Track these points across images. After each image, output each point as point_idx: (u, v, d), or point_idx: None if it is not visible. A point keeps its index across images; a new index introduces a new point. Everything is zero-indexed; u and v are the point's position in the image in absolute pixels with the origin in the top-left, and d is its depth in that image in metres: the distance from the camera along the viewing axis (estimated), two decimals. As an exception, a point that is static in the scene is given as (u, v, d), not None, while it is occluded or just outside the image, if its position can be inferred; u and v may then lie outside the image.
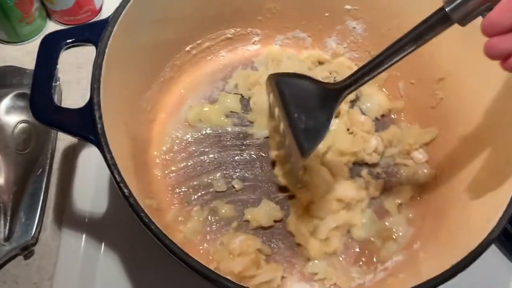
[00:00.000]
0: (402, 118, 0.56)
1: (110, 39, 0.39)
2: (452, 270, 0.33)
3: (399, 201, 0.50)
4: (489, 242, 0.34)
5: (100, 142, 0.34)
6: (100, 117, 0.35)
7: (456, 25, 0.33)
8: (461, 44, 0.45)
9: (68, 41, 0.38)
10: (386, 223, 0.50)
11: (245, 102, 0.55)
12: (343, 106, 0.55)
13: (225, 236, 0.47)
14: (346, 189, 0.49)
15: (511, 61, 0.30)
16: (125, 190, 0.33)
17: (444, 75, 0.50)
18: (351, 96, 0.56)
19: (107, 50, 0.38)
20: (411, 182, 0.51)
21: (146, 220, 0.32)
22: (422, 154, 0.52)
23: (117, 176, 0.33)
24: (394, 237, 0.49)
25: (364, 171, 0.52)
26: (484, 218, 0.37)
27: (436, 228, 0.45)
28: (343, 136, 0.52)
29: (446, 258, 0.36)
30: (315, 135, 0.39)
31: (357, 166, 0.53)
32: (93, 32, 0.39)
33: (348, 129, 0.54)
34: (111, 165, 0.33)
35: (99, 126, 0.35)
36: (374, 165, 0.53)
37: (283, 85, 0.43)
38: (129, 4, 0.40)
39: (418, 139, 0.53)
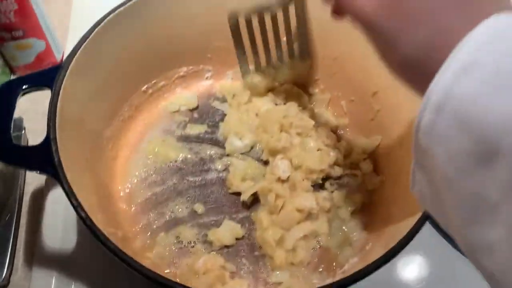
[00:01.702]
0: (348, 133, 0.61)
1: (64, 81, 0.42)
2: (388, 254, 0.36)
3: (352, 209, 0.54)
4: (419, 226, 0.37)
5: (57, 172, 0.37)
6: (57, 150, 0.38)
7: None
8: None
9: (24, 87, 0.42)
10: (345, 229, 0.53)
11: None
12: (307, 124, 0.58)
13: (190, 258, 0.50)
14: (305, 199, 0.52)
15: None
16: (82, 214, 0.35)
17: (376, 89, 0.55)
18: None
19: (61, 91, 0.42)
20: (360, 190, 0.55)
21: (103, 239, 0.35)
22: (368, 164, 0.57)
23: (74, 201, 0.36)
24: (350, 242, 0.52)
25: (327, 183, 0.56)
26: (416, 209, 0.40)
27: (383, 228, 0.48)
28: (312, 155, 0.55)
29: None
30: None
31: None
32: (47, 77, 0.43)
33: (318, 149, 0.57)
34: (69, 193, 0.36)
35: (55, 158, 0.38)
36: (331, 177, 0.57)
37: None
38: (80, 50, 0.44)
39: (365, 147, 0.57)
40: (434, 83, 0.24)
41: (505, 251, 0.22)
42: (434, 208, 0.28)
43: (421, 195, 0.29)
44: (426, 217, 0.38)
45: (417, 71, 0.28)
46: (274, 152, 0.56)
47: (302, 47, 0.59)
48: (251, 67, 0.60)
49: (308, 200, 0.52)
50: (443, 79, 0.24)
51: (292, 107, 0.59)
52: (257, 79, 0.60)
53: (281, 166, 0.54)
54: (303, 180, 0.54)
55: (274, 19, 0.55)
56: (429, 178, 0.27)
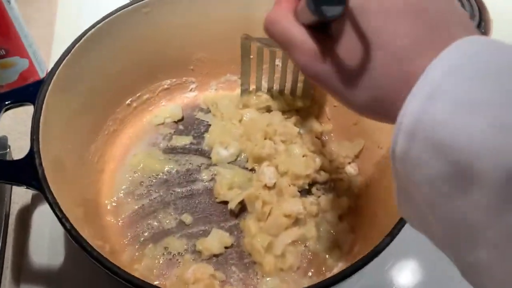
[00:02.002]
0: (333, 139, 0.61)
1: (46, 96, 0.43)
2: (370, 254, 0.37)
3: (339, 213, 0.54)
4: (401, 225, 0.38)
5: (41, 185, 0.37)
6: (41, 163, 0.39)
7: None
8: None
9: (6, 102, 0.42)
10: (333, 232, 0.53)
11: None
12: (292, 131, 0.59)
13: (179, 268, 0.50)
14: (292, 205, 0.52)
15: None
16: (67, 224, 0.35)
17: (357, 94, 0.56)
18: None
19: (44, 106, 0.42)
20: (346, 194, 0.56)
21: (89, 249, 0.35)
22: (354, 168, 0.57)
23: (58, 213, 0.36)
24: (339, 246, 0.52)
25: (314, 188, 0.56)
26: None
27: (370, 230, 0.49)
28: (298, 161, 0.56)
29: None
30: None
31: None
32: (30, 92, 0.43)
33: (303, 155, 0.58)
34: (53, 204, 0.36)
35: (40, 171, 0.38)
36: (318, 183, 0.57)
37: None
38: (62, 65, 0.45)
39: (349, 151, 0.58)
40: (403, 110, 0.24)
41: (499, 273, 0.22)
42: (422, 229, 0.28)
43: (409, 218, 0.29)
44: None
45: (381, 109, 0.28)
46: (258, 160, 0.56)
47: (306, 89, 0.60)
48: (252, 87, 0.61)
49: (295, 205, 0.52)
50: (412, 106, 0.24)
51: (276, 116, 0.60)
52: (254, 101, 0.61)
53: (267, 173, 0.55)
54: (289, 186, 0.54)
55: (285, 56, 0.56)
56: (413, 201, 0.27)
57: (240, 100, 0.62)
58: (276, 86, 0.61)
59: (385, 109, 0.28)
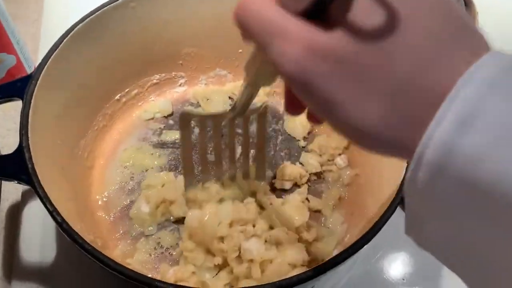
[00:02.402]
0: (322, 131, 0.62)
1: (35, 91, 0.43)
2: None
3: (330, 204, 0.55)
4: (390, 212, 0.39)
5: (31, 179, 0.37)
6: (30, 158, 0.38)
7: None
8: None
9: (-5, 98, 0.42)
10: (330, 225, 0.53)
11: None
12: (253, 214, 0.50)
13: (171, 262, 0.50)
14: (296, 253, 0.47)
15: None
16: (58, 218, 0.35)
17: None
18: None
19: (32, 101, 0.42)
20: (337, 185, 0.56)
21: (81, 242, 0.35)
22: (343, 160, 0.58)
23: (49, 206, 0.36)
24: (331, 235, 0.53)
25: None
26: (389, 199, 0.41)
27: (360, 220, 0.50)
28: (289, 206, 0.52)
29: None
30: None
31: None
32: (18, 88, 0.43)
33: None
34: (44, 198, 0.36)
35: (29, 165, 0.38)
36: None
37: None
38: (50, 59, 0.45)
39: (339, 143, 0.58)
40: (426, 137, 0.20)
41: None
42: (435, 253, 0.25)
43: (421, 244, 0.25)
44: (394, 208, 0.39)
45: (393, 130, 0.22)
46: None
47: (259, 169, 0.53)
48: (198, 178, 0.52)
49: (299, 253, 0.47)
50: (440, 133, 0.19)
51: (226, 205, 0.49)
52: (201, 197, 0.50)
53: (253, 247, 0.47)
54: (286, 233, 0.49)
55: (231, 136, 0.49)
56: (428, 230, 0.24)
57: (185, 195, 0.52)
58: (226, 172, 0.52)
59: (397, 131, 0.22)
